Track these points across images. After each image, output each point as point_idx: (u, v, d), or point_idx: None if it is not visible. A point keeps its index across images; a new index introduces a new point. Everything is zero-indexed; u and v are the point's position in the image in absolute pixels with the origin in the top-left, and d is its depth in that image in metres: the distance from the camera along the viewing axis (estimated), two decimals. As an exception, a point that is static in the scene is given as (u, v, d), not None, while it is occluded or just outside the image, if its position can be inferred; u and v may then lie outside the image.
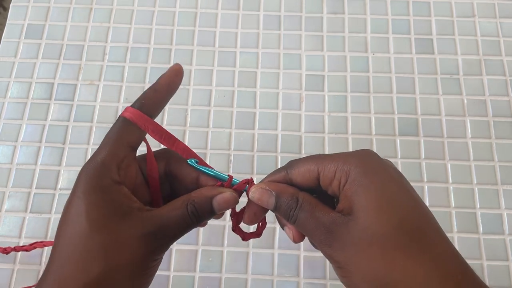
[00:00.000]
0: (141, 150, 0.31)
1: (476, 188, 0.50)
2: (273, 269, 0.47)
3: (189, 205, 0.28)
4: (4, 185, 0.50)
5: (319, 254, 0.47)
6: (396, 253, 0.25)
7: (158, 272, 0.46)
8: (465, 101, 0.53)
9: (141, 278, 0.27)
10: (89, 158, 0.28)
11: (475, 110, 0.53)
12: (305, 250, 0.47)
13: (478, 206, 0.49)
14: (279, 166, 0.37)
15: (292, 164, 0.29)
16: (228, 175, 0.30)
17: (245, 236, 0.32)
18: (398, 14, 0.58)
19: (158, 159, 0.31)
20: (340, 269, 0.27)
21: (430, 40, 0.56)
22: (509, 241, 0.47)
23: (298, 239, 0.30)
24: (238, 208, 0.32)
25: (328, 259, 0.27)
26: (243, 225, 0.32)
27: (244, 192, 0.31)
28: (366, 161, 0.27)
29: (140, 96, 0.30)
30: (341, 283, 0.44)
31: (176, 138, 0.30)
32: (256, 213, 0.30)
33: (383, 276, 0.25)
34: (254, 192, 0.29)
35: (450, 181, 0.50)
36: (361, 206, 0.25)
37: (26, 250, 0.46)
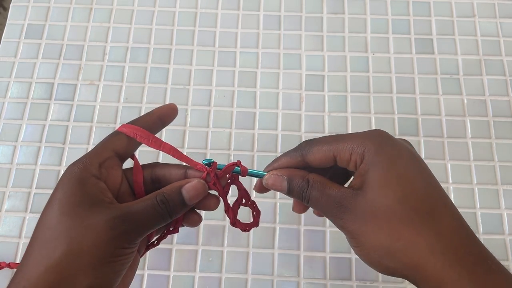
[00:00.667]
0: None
1: (476, 188, 0.50)
2: (273, 269, 0.47)
3: (158, 195, 0.29)
4: (4, 185, 0.50)
5: (319, 254, 0.47)
6: (400, 225, 0.26)
7: (158, 272, 0.47)
8: (465, 101, 0.53)
9: (105, 265, 0.27)
10: None
11: (475, 110, 0.53)
12: (305, 250, 0.47)
13: (478, 206, 0.49)
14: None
15: (306, 147, 0.30)
16: (213, 161, 0.31)
17: (246, 227, 0.34)
18: (398, 14, 0.58)
19: (144, 168, 0.32)
20: (353, 239, 0.28)
21: (430, 40, 0.56)
22: (509, 241, 0.47)
23: (299, 210, 0.32)
24: (229, 202, 0.33)
25: (341, 230, 0.29)
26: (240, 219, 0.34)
27: (238, 177, 0.33)
28: (379, 141, 0.28)
29: (135, 118, 0.32)
30: (341, 283, 0.44)
31: (163, 141, 0.31)
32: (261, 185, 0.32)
33: (388, 245, 0.26)
34: (267, 179, 0.31)
35: (450, 181, 0.50)
36: (370, 182, 0.27)
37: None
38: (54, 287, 0.25)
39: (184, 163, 0.32)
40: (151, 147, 0.31)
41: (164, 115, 0.33)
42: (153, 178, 0.32)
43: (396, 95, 0.54)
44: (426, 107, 0.53)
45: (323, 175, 0.30)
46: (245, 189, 0.34)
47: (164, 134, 0.52)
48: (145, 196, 0.29)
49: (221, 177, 0.32)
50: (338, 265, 0.47)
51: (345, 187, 0.29)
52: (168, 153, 0.31)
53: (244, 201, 0.34)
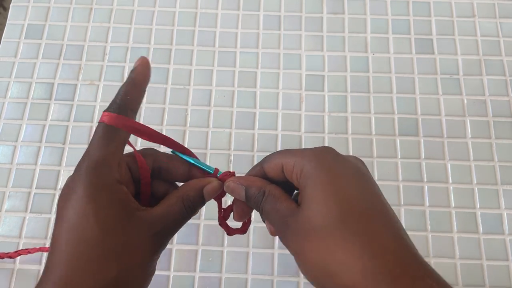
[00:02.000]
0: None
1: (476, 188, 0.50)
2: (273, 269, 0.47)
3: (185, 200, 0.29)
4: (4, 185, 0.50)
5: (319, 254, 0.47)
6: (335, 247, 0.25)
7: (158, 272, 0.46)
8: (465, 101, 0.53)
9: (149, 277, 0.28)
10: (82, 157, 0.28)
11: (475, 110, 0.53)
12: (305, 250, 0.47)
13: (478, 206, 0.49)
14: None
15: (266, 158, 0.31)
16: (215, 168, 0.32)
17: (231, 231, 0.34)
18: (398, 14, 0.58)
19: (145, 156, 0.31)
20: (295, 256, 0.28)
21: (430, 40, 0.56)
22: (509, 241, 0.47)
23: (272, 233, 0.31)
24: (224, 204, 0.34)
25: (287, 249, 0.29)
26: (229, 222, 0.34)
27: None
28: (321, 156, 0.28)
29: (120, 94, 0.29)
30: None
31: (155, 131, 0.30)
32: (243, 210, 0.32)
33: (324, 266, 0.25)
34: (227, 187, 0.31)
35: (450, 181, 0.50)
36: (307, 198, 0.27)
37: (10, 257, 0.46)
38: None
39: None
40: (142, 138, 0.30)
41: (147, 79, 0.31)
42: (155, 168, 0.31)
43: (396, 95, 0.54)
44: (426, 107, 0.53)
45: (284, 188, 0.30)
46: None
47: (164, 134, 0.52)
48: (170, 200, 0.29)
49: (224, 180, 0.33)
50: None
51: (293, 201, 0.28)
52: (163, 144, 0.31)
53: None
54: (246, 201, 0.30)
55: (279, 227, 0.28)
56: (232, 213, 0.33)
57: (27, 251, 0.46)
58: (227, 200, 0.48)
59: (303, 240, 0.26)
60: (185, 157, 0.32)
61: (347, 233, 0.25)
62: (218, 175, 0.32)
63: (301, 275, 0.46)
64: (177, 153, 0.32)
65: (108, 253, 0.26)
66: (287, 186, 0.30)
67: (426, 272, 0.25)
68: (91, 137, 0.51)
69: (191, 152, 0.33)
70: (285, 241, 0.28)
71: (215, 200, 0.33)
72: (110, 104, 0.29)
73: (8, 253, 0.46)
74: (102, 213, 0.26)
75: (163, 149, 0.33)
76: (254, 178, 0.31)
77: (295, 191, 0.31)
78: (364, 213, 0.26)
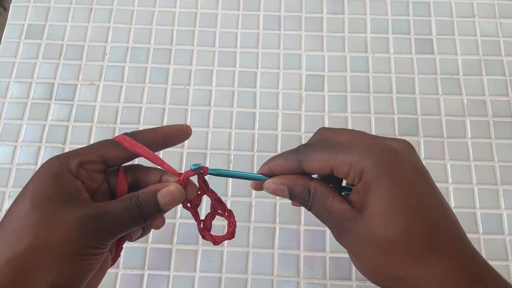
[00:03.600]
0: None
1: (476, 188, 0.50)
2: (273, 269, 0.47)
3: (133, 197, 0.28)
4: (5, 185, 0.50)
5: (319, 254, 0.47)
6: (399, 256, 0.25)
7: (158, 272, 0.47)
8: (465, 101, 0.53)
9: (71, 262, 0.26)
10: None
11: (475, 110, 0.53)
12: (305, 250, 0.47)
13: (478, 206, 0.49)
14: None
15: (305, 153, 0.28)
16: (201, 166, 0.31)
17: (216, 240, 0.32)
18: (398, 14, 0.58)
19: (126, 171, 0.31)
20: (352, 256, 0.28)
21: (430, 40, 0.56)
22: (508, 241, 0.47)
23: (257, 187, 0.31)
24: (201, 215, 0.32)
25: (342, 246, 0.29)
26: (213, 229, 0.33)
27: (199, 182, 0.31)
28: (381, 159, 0.26)
29: (139, 130, 0.31)
30: (341, 282, 0.44)
31: (146, 150, 0.30)
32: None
33: (387, 271, 0.26)
34: (268, 188, 0.30)
35: (450, 181, 0.50)
36: (370, 208, 0.26)
37: None
38: (15, 280, 0.24)
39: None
40: (138, 154, 0.30)
41: (171, 135, 0.31)
42: (133, 182, 0.31)
43: (396, 95, 0.54)
44: (426, 107, 0.53)
45: (325, 180, 0.29)
46: (219, 198, 0.32)
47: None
48: (122, 196, 0.29)
49: (186, 184, 0.30)
50: (338, 265, 0.47)
51: (346, 201, 0.27)
52: (155, 163, 0.30)
53: (218, 211, 0.32)
54: (291, 198, 0.29)
55: (335, 228, 0.28)
56: (211, 221, 0.32)
57: None
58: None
59: (366, 247, 0.26)
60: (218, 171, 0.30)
61: (413, 245, 0.25)
62: (192, 168, 0.30)
63: (301, 275, 0.46)
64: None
65: (27, 226, 0.25)
66: (330, 178, 0.29)
67: (484, 272, 0.25)
68: (91, 137, 0.52)
69: (165, 164, 0.31)
70: (342, 242, 0.28)
71: (189, 210, 0.32)
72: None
73: None
74: (38, 191, 0.26)
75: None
76: (293, 176, 0.29)
77: (344, 183, 0.30)
78: (427, 223, 0.26)
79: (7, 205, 0.49)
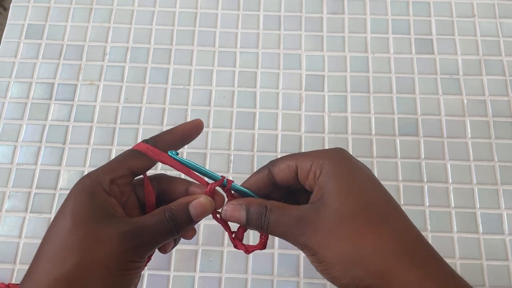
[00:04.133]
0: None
1: (476, 188, 0.50)
2: (273, 269, 0.47)
3: (166, 211, 0.29)
4: (5, 185, 0.50)
5: (319, 254, 0.47)
6: (365, 232, 0.27)
7: (158, 272, 0.47)
8: (465, 101, 0.53)
9: (115, 277, 0.27)
10: None
11: (475, 110, 0.53)
12: (305, 250, 0.47)
13: (478, 206, 0.49)
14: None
15: (273, 162, 0.31)
16: (222, 176, 0.32)
17: (248, 249, 0.33)
18: (398, 14, 0.58)
19: (151, 180, 0.32)
20: (314, 256, 0.28)
21: (430, 40, 0.56)
22: (509, 241, 0.47)
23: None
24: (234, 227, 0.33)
25: (303, 250, 0.29)
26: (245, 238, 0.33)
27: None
28: (338, 155, 0.30)
29: (157, 134, 0.32)
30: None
31: (173, 159, 0.31)
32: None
33: (354, 253, 0.26)
34: (225, 210, 0.31)
35: (450, 181, 0.50)
36: (332, 192, 0.28)
37: None
38: None
39: (191, 179, 0.32)
40: (164, 163, 0.31)
41: (188, 133, 0.33)
42: (159, 192, 0.32)
43: (396, 95, 0.54)
44: (426, 107, 0.53)
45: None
46: None
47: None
48: (154, 211, 0.30)
49: (213, 194, 0.31)
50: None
51: (304, 205, 0.29)
52: (180, 171, 0.31)
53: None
54: (247, 223, 0.30)
55: (293, 229, 0.28)
56: (244, 233, 0.33)
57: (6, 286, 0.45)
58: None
59: (331, 231, 0.27)
60: (180, 159, 0.31)
61: (375, 220, 0.27)
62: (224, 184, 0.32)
63: (301, 275, 0.46)
64: (172, 155, 0.31)
65: (72, 245, 0.26)
66: (285, 197, 0.32)
67: (441, 259, 0.27)
68: (91, 137, 0.52)
69: (192, 172, 0.32)
70: (303, 239, 0.28)
71: (219, 222, 0.32)
72: (147, 139, 0.32)
73: None
74: (77, 211, 0.27)
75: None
76: (250, 199, 0.31)
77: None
78: (385, 205, 0.28)
79: (7, 205, 0.49)
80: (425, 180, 0.50)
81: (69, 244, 0.26)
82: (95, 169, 0.30)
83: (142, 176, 0.32)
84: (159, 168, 0.49)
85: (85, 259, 0.26)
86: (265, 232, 0.30)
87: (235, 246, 0.33)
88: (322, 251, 0.27)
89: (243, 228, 0.33)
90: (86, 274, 0.26)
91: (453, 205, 0.49)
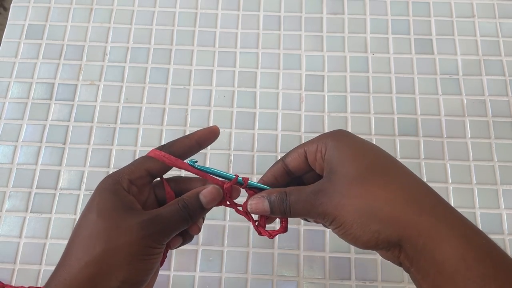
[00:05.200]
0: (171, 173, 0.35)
1: (476, 188, 0.50)
2: (273, 269, 0.47)
3: (179, 201, 0.32)
4: (5, 185, 0.50)
5: (319, 254, 0.47)
6: (374, 188, 0.29)
7: (158, 272, 0.47)
8: (465, 101, 0.54)
9: (138, 262, 0.30)
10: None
11: (475, 110, 0.53)
12: (305, 250, 0.47)
13: (478, 206, 0.49)
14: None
15: (286, 154, 0.34)
16: (235, 175, 0.34)
17: (271, 234, 0.35)
18: (398, 15, 0.58)
19: (169, 181, 0.35)
20: (334, 221, 0.30)
21: (430, 40, 0.56)
22: (508, 241, 0.48)
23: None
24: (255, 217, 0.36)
25: (324, 219, 0.31)
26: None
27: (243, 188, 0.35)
28: (339, 133, 0.33)
29: (174, 140, 0.35)
30: (340, 282, 0.44)
31: (189, 165, 0.34)
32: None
33: (368, 208, 0.29)
34: (251, 204, 0.33)
35: (450, 181, 0.50)
36: (338, 161, 0.31)
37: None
38: (93, 279, 0.29)
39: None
40: (180, 168, 0.34)
41: (203, 139, 0.35)
42: (176, 191, 0.35)
43: (395, 95, 0.54)
44: (425, 107, 0.53)
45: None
46: None
47: (164, 134, 0.52)
48: (169, 203, 0.33)
49: (230, 192, 0.35)
50: (338, 265, 0.47)
51: (318, 181, 0.32)
52: (198, 175, 0.34)
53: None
54: (271, 209, 0.33)
55: (312, 202, 0.31)
56: (265, 222, 0.35)
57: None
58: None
59: (344, 193, 0.29)
60: (200, 167, 0.34)
61: (382, 176, 0.30)
62: (238, 181, 0.34)
63: (301, 275, 0.46)
64: (192, 163, 0.34)
65: (98, 233, 0.30)
66: (304, 182, 0.34)
67: (450, 205, 0.30)
68: (91, 137, 0.52)
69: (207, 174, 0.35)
70: (322, 208, 0.30)
71: (242, 214, 0.35)
72: (164, 145, 0.35)
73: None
74: (101, 204, 0.31)
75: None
76: (271, 189, 0.34)
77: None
78: (389, 163, 0.31)
79: (7, 205, 0.49)
80: (425, 180, 0.50)
81: (95, 233, 0.30)
82: (117, 171, 0.33)
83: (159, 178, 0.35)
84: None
85: (111, 245, 0.29)
86: (288, 216, 0.32)
87: (259, 233, 0.35)
88: (339, 213, 0.29)
89: (264, 217, 0.35)
90: (112, 258, 0.29)
91: (452, 205, 0.49)
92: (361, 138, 0.33)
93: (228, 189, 0.34)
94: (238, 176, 0.34)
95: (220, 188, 0.34)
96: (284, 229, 0.35)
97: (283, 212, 0.32)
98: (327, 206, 0.30)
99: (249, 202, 0.33)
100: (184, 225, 0.32)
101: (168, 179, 0.36)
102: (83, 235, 0.30)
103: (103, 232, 0.30)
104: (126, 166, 0.34)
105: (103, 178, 0.33)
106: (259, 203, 0.33)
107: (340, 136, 0.32)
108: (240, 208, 0.35)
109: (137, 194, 0.33)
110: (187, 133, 0.52)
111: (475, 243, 0.27)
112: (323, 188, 0.30)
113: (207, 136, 0.35)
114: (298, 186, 0.32)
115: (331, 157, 0.31)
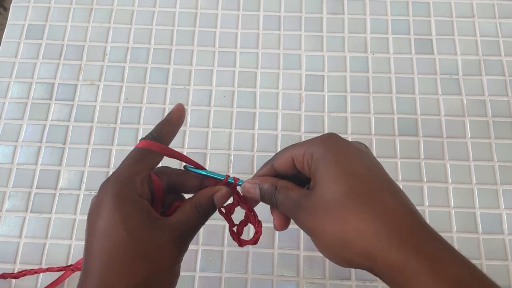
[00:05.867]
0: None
1: (476, 188, 0.50)
2: (273, 269, 0.47)
3: (198, 207, 0.32)
4: (5, 185, 0.50)
5: (319, 253, 0.47)
6: (348, 216, 0.28)
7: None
8: (465, 101, 0.54)
9: (174, 279, 0.31)
10: (110, 175, 0.31)
11: (475, 110, 0.53)
12: (305, 250, 0.47)
13: (478, 206, 0.49)
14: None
15: (274, 156, 0.34)
16: (226, 175, 0.35)
17: (242, 243, 0.36)
18: (398, 15, 0.58)
19: (160, 175, 0.34)
20: (311, 236, 0.30)
21: (430, 40, 0.56)
22: (508, 241, 0.48)
23: (279, 226, 0.34)
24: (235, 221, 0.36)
25: (303, 230, 0.31)
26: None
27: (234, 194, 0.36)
28: (327, 141, 0.31)
29: (156, 128, 0.34)
30: (340, 282, 0.44)
31: (183, 155, 0.35)
32: (280, 219, 0.34)
33: (340, 237, 0.28)
34: (244, 187, 0.34)
35: (450, 181, 0.50)
36: (319, 179, 0.29)
37: (15, 278, 0.45)
38: None
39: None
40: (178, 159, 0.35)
41: (180, 120, 0.35)
42: (169, 184, 0.34)
43: (395, 95, 0.54)
44: (425, 107, 0.53)
45: (295, 182, 0.33)
46: (252, 209, 0.36)
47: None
48: (185, 208, 0.32)
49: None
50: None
51: (305, 189, 0.31)
52: (189, 163, 0.35)
53: (251, 220, 0.36)
54: (261, 197, 0.33)
55: (293, 211, 0.31)
56: (243, 229, 0.36)
57: (33, 272, 0.45)
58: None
59: (318, 216, 0.29)
60: (197, 170, 0.35)
61: (358, 204, 0.28)
62: (228, 181, 0.35)
63: (301, 275, 0.46)
64: (190, 168, 0.35)
65: (138, 256, 0.28)
66: (298, 180, 0.33)
67: (432, 235, 0.28)
68: (91, 137, 0.52)
69: (203, 167, 0.36)
70: (300, 222, 0.30)
71: (223, 215, 0.36)
72: (147, 135, 0.33)
73: (12, 273, 0.45)
74: (128, 221, 0.29)
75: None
76: (265, 177, 0.34)
77: (307, 185, 0.33)
78: (371, 186, 0.29)
79: (7, 205, 0.49)
80: (425, 180, 0.50)
81: (135, 256, 0.28)
82: (124, 171, 0.31)
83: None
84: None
85: (153, 267, 0.29)
86: (275, 208, 0.33)
87: (233, 239, 0.36)
88: (316, 232, 0.29)
89: (243, 224, 0.36)
90: (156, 280, 0.29)
91: (452, 205, 0.49)
92: (353, 146, 0.31)
93: (235, 192, 0.35)
94: (229, 176, 0.35)
95: (230, 190, 0.34)
96: (254, 241, 0.35)
97: (272, 204, 0.33)
98: (305, 222, 0.30)
99: (243, 185, 0.34)
100: (200, 227, 0.33)
101: (158, 172, 0.34)
102: (119, 258, 0.28)
103: (143, 255, 0.29)
104: (128, 163, 0.32)
105: (109, 185, 0.30)
106: (252, 188, 0.33)
107: (328, 144, 0.31)
108: (223, 210, 0.36)
109: (144, 193, 0.32)
110: (187, 133, 0.52)
111: (448, 280, 0.25)
112: (303, 203, 0.30)
113: (180, 116, 0.35)
114: (289, 183, 0.32)
115: (315, 171, 0.30)
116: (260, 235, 0.35)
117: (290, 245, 0.48)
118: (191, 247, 0.47)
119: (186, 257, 0.47)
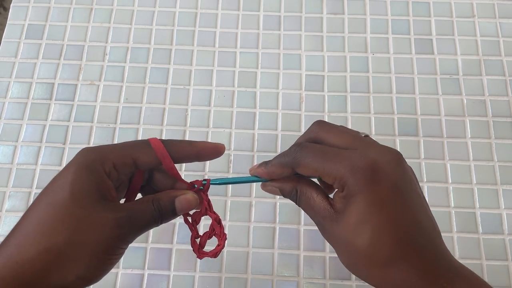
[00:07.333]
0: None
1: (476, 188, 0.50)
2: (273, 269, 0.47)
3: (154, 202, 0.30)
4: (5, 185, 0.50)
5: (319, 253, 0.47)
6: (365, 263, 0.28)
7: (158, 272, 0.47)
8: (465, 101, 0.54)
9: (101, 260, 0.28)
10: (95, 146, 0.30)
11: (475, 110, 0.53)
12: (305, 250, 0.47)
13: (478, 206, 0.49)
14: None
15: (297, 159, 0.30)
16: (197, 180, 0.33)
17: (201, 255, 0.34)
18: (398, 15, 0.58)
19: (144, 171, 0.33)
20: (333, 248, 0.30)
21: (430, 40, 0.56)
22: (508, 241, 0.47)
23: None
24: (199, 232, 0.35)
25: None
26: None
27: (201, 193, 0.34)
28: (362, 178, 0.27)
29: (176, 140, 0.32)
30: (340, 282, 0.44)
31: (177, 173, 0.32)
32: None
33: (359, 275, 0.29)
34: (266, 186, 0.33)
35: (450, 181, 0.50)
36: (346, 218, 0.28)
37: None
38: (49, 269, 0.26)
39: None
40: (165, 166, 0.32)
41: (205, 154, 0.33)
42: (147, 178, 0.33)
43: (395, 95, 0.54)
44: (425, 107, 0.53)
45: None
46: (219, 220, 0.34)
47: (164, 134, 0.52)
48: (142, 199, 0.30)
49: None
50: (338, 264, 0.47)
51: (328, 201, 0.30)
52: (172, 174, 0.32)
53: (216, 232, 0.34)
54: (284, 196, 0.32)
55: (317, 223, 0.30)
56: (206, 240, 0.34)
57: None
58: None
59: (339, 246, 0.29)
60: (222, 181, 0.33)
61: (382, 259, 0.27)
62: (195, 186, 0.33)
63: (301, 275, 0.46)
64: (215, 182, 0.33)
65: (67, 220, 0.27)
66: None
67: (444, 275, 0.27)
68: (91, 137, 0.52)
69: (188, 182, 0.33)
70: (323, 235, 0.30)
71: (188, 224, 0.34)
72: (166, 140, 0.32)
73: None
74: (77, 185, 0.27)
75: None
76: (283, 183, 0.32)
77: (335, 190, 0.31)
78: (394, 237, 0.27)
79: (7, 205, 0.49)
80: (425, 180, 0.50)
81: (63, 218, 0.27)
82: (102, 146, 0.30)
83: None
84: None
85: (77, 237, 0.27)
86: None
87: (193, 249, 0.34)
88: (336, 251, 0.30)
89: (207, 235, 0.34)
90: (74, 251, 0.27)
91: (453, 205, 0.49)
92: (397, 188, 0.28)
93: (206, 200, 0.33)
94: (202, 181, 0.33)
95: (197, 197, 0.32)
96: (214, 254, 0.33)
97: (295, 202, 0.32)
98: (328, 240, 0.30)
99: (264, 186, 0.32)
100: (153, 226, 0.30)
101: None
102: (48, 215, 0.27)
103: (72, 220, 0.27)
104: (114, 144, 0.31)
105: (85, 147, 0.30)
106: (272, 190, 0.32)
107: (363, 180, 0.27)
108: (189, 219, 0.34)
109: (114, 180, 0.30)
110: (187, 133, 0.52)
111: None
112: (326, 227, 0.29)
113: (210, 152, 0.33)
114: (309, 187, 0.31)
115: (347, 203, 0.28)
116: (222, 248, 0.33)
117: (290, 245, 0.48)
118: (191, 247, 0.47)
119: (186, 257, 0.47)
